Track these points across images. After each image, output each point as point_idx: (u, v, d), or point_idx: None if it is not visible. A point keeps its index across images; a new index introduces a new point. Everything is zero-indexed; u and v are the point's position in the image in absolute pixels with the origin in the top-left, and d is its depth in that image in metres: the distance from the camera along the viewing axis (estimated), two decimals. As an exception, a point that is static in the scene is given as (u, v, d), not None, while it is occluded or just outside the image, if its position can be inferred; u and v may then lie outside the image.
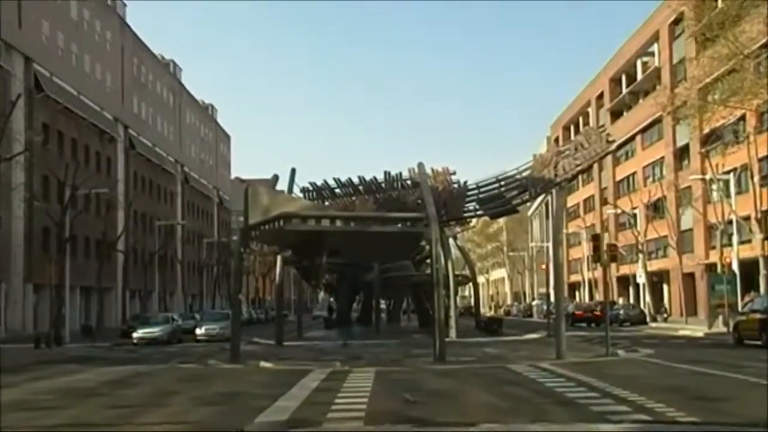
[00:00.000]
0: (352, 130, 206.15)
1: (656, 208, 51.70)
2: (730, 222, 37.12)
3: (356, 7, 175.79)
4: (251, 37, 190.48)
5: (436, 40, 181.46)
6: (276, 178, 31.33)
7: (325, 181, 33.28)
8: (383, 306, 57.15)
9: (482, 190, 28.00)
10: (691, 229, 49.66)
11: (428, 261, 34.48)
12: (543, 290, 67.43)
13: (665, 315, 47.96)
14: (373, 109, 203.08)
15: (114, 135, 54.06)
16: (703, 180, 41.89)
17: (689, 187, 46.69)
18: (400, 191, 31.69)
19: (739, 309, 29.90)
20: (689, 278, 48.46)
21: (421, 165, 26.70)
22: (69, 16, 48.99)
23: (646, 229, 49.92)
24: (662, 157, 54.94)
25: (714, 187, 40.38)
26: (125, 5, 59.98)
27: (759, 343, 23.41)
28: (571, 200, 79.15)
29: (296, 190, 33.22)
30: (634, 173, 62.13)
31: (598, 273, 59.76)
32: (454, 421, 10.84)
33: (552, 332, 26.77)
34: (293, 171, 33.42)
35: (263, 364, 21.14)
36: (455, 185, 29.65)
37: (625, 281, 61.08)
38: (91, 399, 14.45)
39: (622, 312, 47.28)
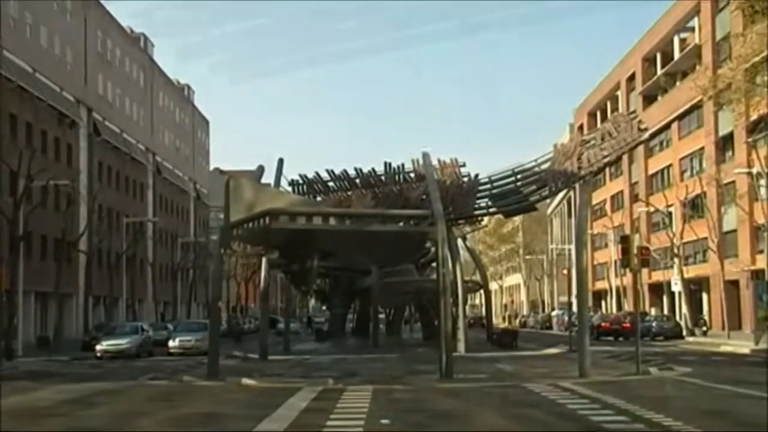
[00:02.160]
0: (350, 116, 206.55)
1: (695, 207, 51.90)
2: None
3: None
4: (232, 8, 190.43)
5: (443, 13, 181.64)
6: (261, 169, 31.39)
7: (317, 174, 33.28)
8: (382, 316, 57.20)
9: (495, 184, 28.10)
10: (734, 231, 49.82)
11: (433, 265, 34.47)
12: (564, 299, 67.53)
13: (704, 328, 47.92)
14: (373, 92, 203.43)
15: (75, 119, 53.91)
16: (750, 174, 41.87)
17: (733, 182, 46.70)
18: (403, 185, 31.71)
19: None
20: (732, 286, 48.40)
21: (426, 156, 26.65)
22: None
23: (683, 231, 49.84)
24: (702, 148, 54.98)
25: (762, 182, 40.35)
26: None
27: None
28: (597, 197, 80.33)
29: (284, 184, 33.25)
30: (669, 166, 62.21)
31: (628, 280, 60.10)
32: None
33: (574, 347, 26.78)
34: (281, 161, 33.56)
35: (245, 381, 21.13)
36: (465, 179, 29.69)
37: (658, 289, 61.03)
38: (46, 420, 14.43)
39: (654, 324, 47.64)
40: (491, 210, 31.03)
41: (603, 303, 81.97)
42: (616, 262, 68.74)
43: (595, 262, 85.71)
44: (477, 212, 31.30)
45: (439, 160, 30.02)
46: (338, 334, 49.27)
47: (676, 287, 50.30)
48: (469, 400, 16.57)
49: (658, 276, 57.54)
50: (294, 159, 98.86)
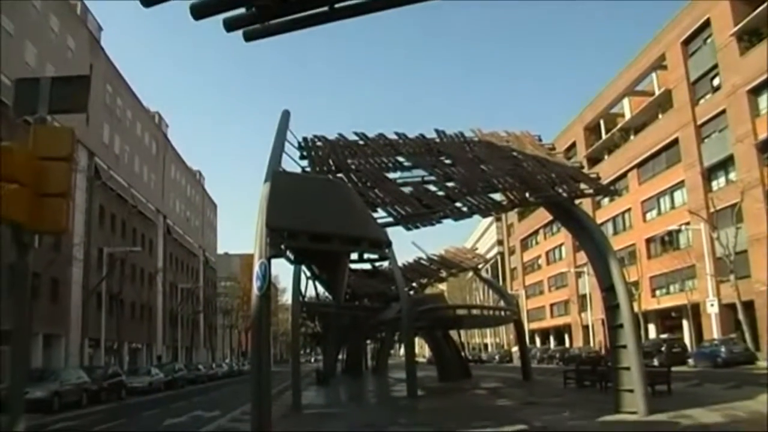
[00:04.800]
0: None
1: (668, 242, 57.35)
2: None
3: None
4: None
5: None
6: (287, 114, 19.47)
7: (342, 136, 22.60)
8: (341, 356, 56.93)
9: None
10: (745, 251, 46.77)
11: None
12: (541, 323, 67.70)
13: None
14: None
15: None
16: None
17: (732, 206, 46.79)
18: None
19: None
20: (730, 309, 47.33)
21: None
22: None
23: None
24: (680, 182, 56.37)
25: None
26: None
27: None
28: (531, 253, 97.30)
29: (292, 142, 31.64)
30: (627, 210, 65.98)
31: (597, 314, 65.18)
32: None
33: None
34: (287, 115, 23.98)
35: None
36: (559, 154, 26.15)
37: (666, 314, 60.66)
38: None
39: (723, 350, 39.67)
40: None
41: (567, 338, 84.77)
42: (585, 296, 72.11)
43: (553, 301, 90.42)
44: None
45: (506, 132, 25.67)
46: (332, 374, 46.48)
47: (713, 309, 46.11)
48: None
49: (667, 301, 58.16)
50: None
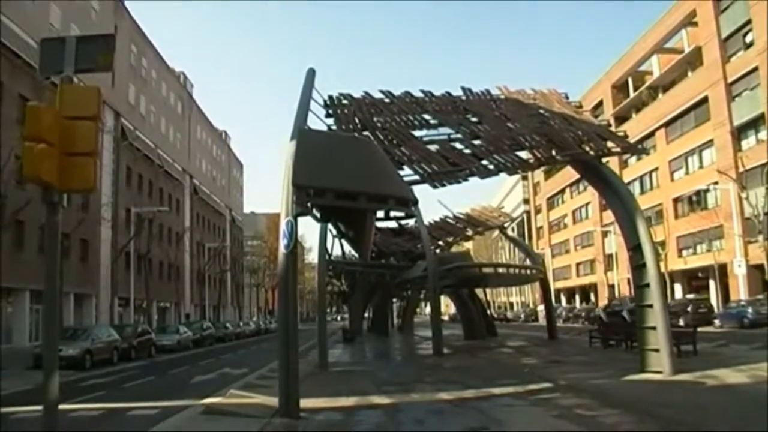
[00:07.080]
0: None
1: (695, 201, 56.79)
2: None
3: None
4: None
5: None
6: (312, 72, 18.66)
7: (368, 94, 22.22)
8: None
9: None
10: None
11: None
12: (564, 283, 66.79)
13: None
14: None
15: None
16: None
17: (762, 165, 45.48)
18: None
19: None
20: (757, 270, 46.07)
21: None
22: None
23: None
24: (709, 141, 55.03)
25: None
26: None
27: None
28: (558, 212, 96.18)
29: (318, 100, 31.56)
30: (654, 170, 64.82)
31: (622, 273, 64.06)
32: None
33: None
34: (312, 73, 23.56)
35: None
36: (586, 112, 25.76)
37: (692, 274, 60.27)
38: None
39: (750, 310, 38.21)
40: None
41: (593, 297, 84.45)
42: (612, 255, 71.66)
43: (579, 260, 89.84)
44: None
45: (533, 89, 25.18)
46: (358, 332, 47.08)
47: (740, 270, 45.45)
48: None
49: (693, 261, 57.47)
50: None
